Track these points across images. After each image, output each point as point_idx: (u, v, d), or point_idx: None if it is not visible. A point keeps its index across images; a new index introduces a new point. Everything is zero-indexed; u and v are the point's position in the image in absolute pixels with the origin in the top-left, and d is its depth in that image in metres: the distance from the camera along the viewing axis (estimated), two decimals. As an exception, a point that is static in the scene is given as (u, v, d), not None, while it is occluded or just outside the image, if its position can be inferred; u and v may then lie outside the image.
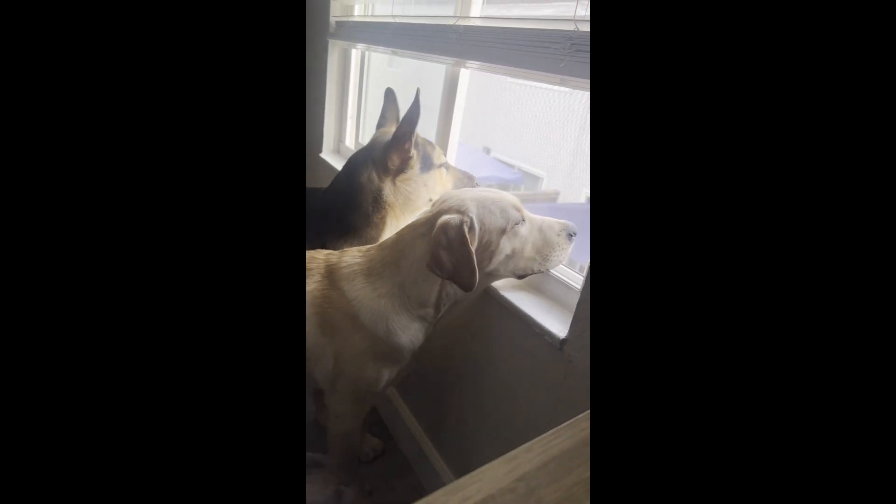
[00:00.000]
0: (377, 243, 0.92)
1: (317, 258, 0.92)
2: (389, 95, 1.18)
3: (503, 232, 0.81)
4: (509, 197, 0.85)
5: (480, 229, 0.80)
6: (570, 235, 0.86)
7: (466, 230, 0.77)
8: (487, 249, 0.82)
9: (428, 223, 0.83)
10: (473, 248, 0.77)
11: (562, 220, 0.86)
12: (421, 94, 1.01)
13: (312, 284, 0.88)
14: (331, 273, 0.89)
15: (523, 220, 0.83)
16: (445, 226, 0.77)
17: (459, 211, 0.80)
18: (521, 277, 0.89)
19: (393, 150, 1.04)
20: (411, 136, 1.02)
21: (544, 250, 0.84)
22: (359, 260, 0.88)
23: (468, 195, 0.83)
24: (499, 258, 0.83)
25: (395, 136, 1.02)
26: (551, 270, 0.92)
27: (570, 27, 0.78)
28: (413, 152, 1.04)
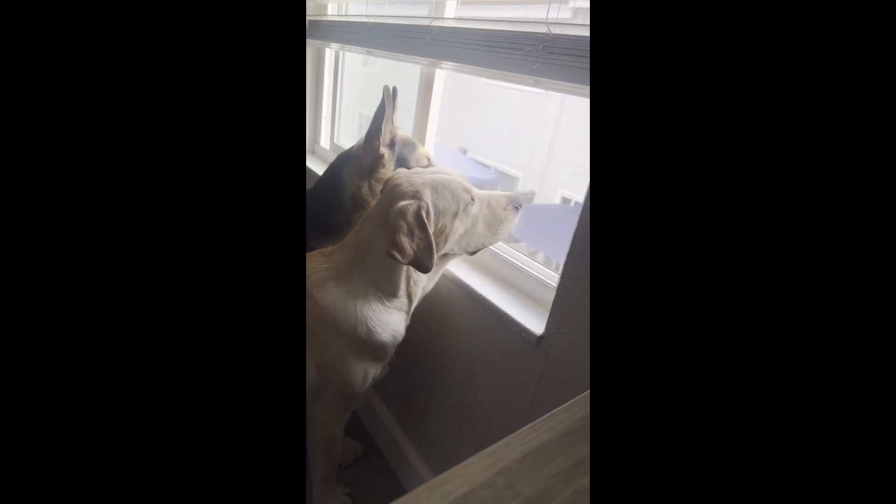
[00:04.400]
0: (339, 245, 0.91)
1: None
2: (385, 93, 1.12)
3: (456, 215, 0.84)
4: (458, 178, 0.87)
5: (435, 214, 0.82)
6: (517, 207, 0.89)
7: (424, 216, 0.79)
8: (443, 233, 0.84)
9: (382, 213, 0.83)
10: (432, 233, 0.79)
11: (507, 193, 0.90)
12: (395, 93, 1.00)
13: None
14: None
15: (473, 200, 0.86)
16: (404, 212, 0.78)
17: (415, 197, 0.81)
18: (472, 254, 0.91)
19: (365, 149, 1.03)
20: (378, 134, 1.00)
21: (494, 225, 0.88)
22: (325, 265, 0.87)
23: (419, 180, 0.84)
24: (453, 239, 0.86)
25: (366, 134, 1.02)
26: (528, 269, 0.93)
27: (542, 30, 0.79)
28: (384, 151, 1.03)
